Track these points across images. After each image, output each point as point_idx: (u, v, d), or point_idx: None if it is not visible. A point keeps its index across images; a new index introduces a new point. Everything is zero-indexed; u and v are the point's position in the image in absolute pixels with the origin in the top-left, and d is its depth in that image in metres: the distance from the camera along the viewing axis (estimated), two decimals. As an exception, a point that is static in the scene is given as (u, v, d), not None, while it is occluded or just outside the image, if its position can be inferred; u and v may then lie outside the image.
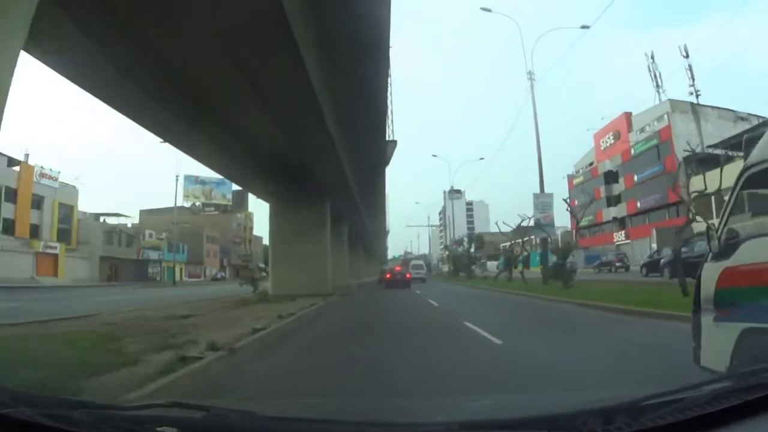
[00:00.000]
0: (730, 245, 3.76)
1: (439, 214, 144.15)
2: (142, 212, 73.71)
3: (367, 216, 42.88)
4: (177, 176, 53.29)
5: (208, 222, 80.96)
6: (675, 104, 48.26)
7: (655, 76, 51.76)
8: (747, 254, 3.57)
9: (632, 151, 51.70)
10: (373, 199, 39.13)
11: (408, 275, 36.06)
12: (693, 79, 48.23)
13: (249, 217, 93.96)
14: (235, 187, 68.37)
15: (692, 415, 1.38)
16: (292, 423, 1.62)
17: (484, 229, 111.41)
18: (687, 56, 48.41)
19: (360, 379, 5.47)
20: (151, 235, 63.01)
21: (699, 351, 3.99)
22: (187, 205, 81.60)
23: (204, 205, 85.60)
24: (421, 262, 56.26)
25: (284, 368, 6.38)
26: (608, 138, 57.39)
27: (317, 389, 4.89)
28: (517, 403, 2.22)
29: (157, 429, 1.41)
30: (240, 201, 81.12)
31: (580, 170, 63.36)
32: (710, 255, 3.97)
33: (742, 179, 3.82)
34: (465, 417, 1.74)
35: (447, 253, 79.79)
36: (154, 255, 61.72)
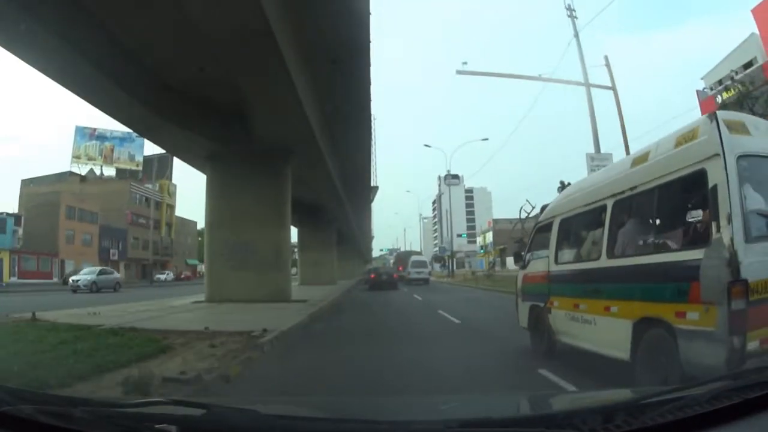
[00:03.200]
0: (527, 262, 7.41)
1: (433, 203, 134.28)
2: (24, 182, 56.34)
3: (339, 176, 28.20)
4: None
5: (101, 192, 55.66)
6: None
7: None
8: (531, 267, 7.29)
9: None
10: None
11: (395, 275, 33.85)
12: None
13: (166, 189, 66.57)
14: (151, 148, 53.61)
15: (692, 413, 1.39)
16: (292, 421, 1.62)
17: (486, 219, 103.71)
18: None
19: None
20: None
21: (517, 316, 7.52)
22: (80, 170, 60.48)
23: (106, 170, 62.22)
24: (423, 258, 45.79)
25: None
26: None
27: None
28: (516, 401, 2.24)
29: (157, 427, 1.40)
30: (162, 168, 62.74)
31: (728, 79, 24.25)
32: (520, 267, 7.66)
33: (535, 228, 7.57)
34: (464, 415, 1.76)
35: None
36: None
